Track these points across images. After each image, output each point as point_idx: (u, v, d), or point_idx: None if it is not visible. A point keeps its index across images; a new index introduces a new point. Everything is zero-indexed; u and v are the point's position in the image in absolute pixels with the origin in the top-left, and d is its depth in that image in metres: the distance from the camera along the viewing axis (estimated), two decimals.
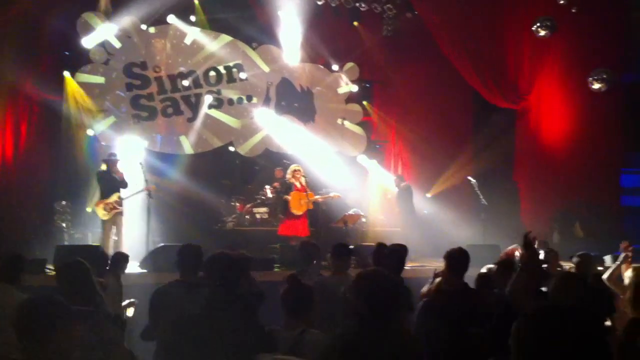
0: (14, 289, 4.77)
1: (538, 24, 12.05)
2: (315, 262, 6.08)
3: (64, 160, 11.56)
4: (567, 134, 13.23)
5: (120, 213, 9.92)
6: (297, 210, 10.82)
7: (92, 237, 10.39)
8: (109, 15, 12.04)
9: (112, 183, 9.97)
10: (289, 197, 10.84)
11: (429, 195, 13.54)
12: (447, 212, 12.63)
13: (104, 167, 10.33)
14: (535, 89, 13.31)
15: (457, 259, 4.90)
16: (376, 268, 3.91)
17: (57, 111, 11.74)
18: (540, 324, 2.14)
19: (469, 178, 12.06)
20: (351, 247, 6.33)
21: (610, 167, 13.35)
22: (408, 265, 5.90)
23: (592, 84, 12.16)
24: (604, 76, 12.06)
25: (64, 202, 10.53)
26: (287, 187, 11.02)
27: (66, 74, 11.77)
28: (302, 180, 11.02)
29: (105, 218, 9.87)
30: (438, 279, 5.70)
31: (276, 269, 9.28)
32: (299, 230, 10.84)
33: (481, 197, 11.75)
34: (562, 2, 12.10)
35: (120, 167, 10.12)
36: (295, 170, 11.05)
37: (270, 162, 13.25)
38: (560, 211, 12.73)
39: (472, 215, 12.46)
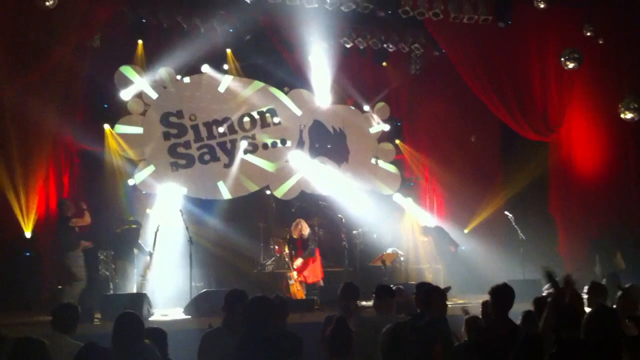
0: (69, 338, 4.91)
1: (566, 56, 12.08)
2: (356, 303, 6.08)
3: (105, 210, 11.80)
4: (602, 164, 13.09)
5: None
6: (297, 296, 10.97)
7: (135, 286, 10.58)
8: (144, 67, 12.45)
9: None
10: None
11: (466, 231, 13.48)
12: (485, 248, 12.58)
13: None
14: (566, 121, 13.25)
15: (502, 295, 4.94)
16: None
17: (97, 162, 12.05)
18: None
19: (506, 213, 12.04)
20: (392, 286, 6.38)
21: None
22: (448, 302, 5.89)
23: (624, 114, 12.09)
24: (635, 105, 11.98)
25: (107, 252, 10.71)
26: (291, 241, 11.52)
27: (106, 126, 12.13)
28: (304, 232, 11.47)
29: None
30: (467, 316, 5.76)
31: (316, 310, 9.33)
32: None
33: (519, 231, 11.70)
34: (588, 33, 12.14)
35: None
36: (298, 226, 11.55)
37: (306, 204, 13.37)
38: (600, 243, 12.54)
39: (510, 250, 12.37)
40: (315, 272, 11.37)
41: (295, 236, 11.44)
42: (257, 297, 4.21)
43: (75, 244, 10.20)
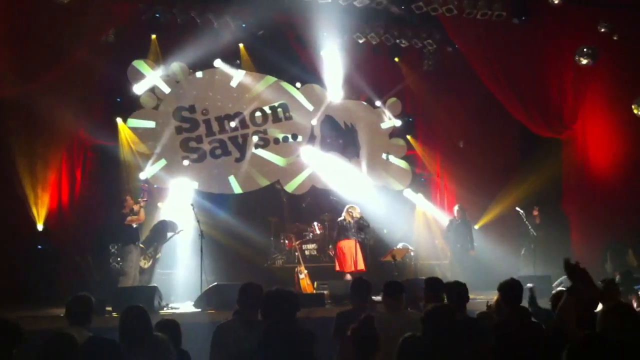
0: (85, 331, 4.93)
1: (579, 53, 12.00)
2: (370, 300, 6.04)
3: (117, 203, 11.82)
4: (615, 162, 12.99)
5: None
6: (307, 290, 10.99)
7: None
8: (158, 61, 12.49)
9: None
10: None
11: (476, 227, 13.45)
12: (495, 244, 12.55)
13: None
14: (580, 118, 13.17)
15: (512, 290, 4.95)
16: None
17: (110, 156, 12.10)
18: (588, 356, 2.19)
19: (518, 209, 12.02)
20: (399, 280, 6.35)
21: None
22: None
23: (638, 111, 11.99)
24: None
25: (118, 245, 10.74)
26: (343, 228, 11.33)
27: (118, 120, 12.19)
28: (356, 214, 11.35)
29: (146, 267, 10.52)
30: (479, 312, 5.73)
31: (327, 306, 9.34)
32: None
33: (530, 228, 11.68)
34: (603, 30, 12.04)
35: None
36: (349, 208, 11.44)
37: (317, 199, 13.40)
38: (612, 240, 12.50)
39: (521, 246, 12.35)
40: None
41: (350, 220, 11.38)
42: (280, 289, 4.23)
43: (125, 240, 10.31)
